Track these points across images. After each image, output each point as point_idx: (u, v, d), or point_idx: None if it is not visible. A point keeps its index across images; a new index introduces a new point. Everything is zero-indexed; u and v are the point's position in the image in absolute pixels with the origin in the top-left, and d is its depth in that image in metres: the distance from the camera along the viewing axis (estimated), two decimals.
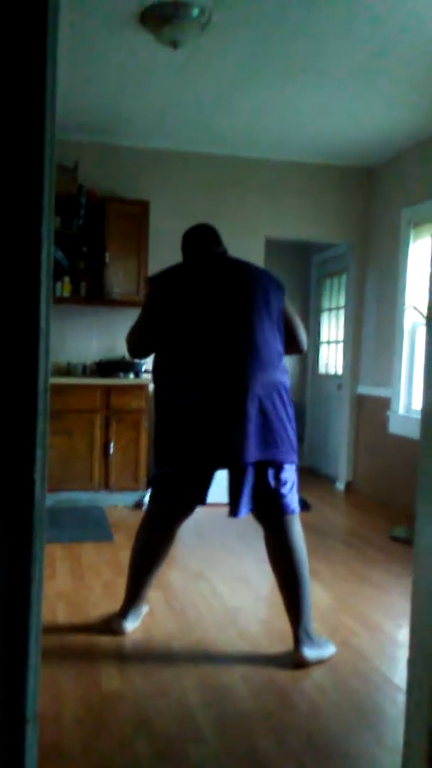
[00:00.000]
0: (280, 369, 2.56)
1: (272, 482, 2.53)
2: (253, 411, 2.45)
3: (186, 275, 2.63)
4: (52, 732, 2.01)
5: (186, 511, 2.72)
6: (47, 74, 0.93)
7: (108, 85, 4.27)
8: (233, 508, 2.52)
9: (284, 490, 2.55)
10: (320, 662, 2.58)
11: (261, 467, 2.51)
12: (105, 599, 3.11)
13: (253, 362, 2.47)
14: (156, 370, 2.64)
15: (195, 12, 3.25)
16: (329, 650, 2.64)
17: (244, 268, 2.64)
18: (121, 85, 4.27)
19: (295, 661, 2.55)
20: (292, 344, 2.67)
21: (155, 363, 2.65)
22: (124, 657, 2.56)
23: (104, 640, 2.68)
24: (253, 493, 2.52)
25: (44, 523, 0.96)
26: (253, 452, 2.47)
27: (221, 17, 3.31)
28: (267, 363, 2.50)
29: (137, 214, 5.14)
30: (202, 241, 2.71)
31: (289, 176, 5.63)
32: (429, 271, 4.80)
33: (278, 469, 2.54)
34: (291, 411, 2.58)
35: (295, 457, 2.58)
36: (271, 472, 2.52)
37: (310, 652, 2.56)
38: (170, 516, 2.71)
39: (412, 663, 1.62)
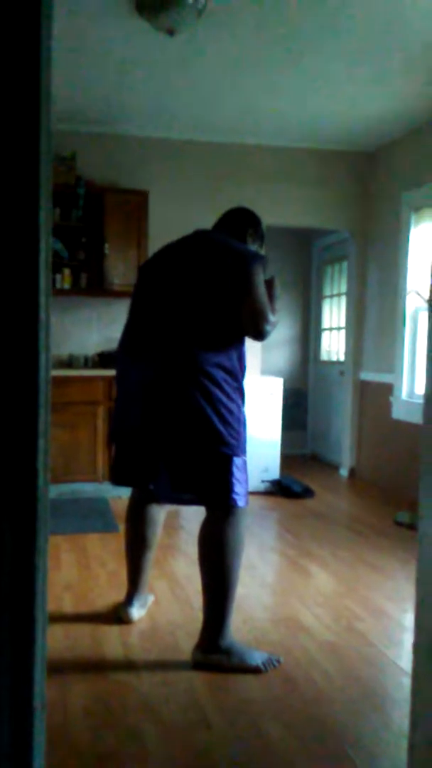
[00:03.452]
0: (211, 359, 2.33)
1: (208, 470, 2.37)
2: (161, 393, 2.35)
3: (160, 255, 2.60)
4: (59, 720, 2.03)
5: (142, 493, 2.71)
6: (42, 62, 0.92)
7: (105, 74, 4.24)
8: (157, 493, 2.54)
9: (219, 480, 2.37)
10: (228, 669, 2.37)
11: (187, 455, 2.38)
12: (110, 589, 3.12)
13: (172, 347, 2.35)
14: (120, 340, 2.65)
15: None
16: (248, 660, 2.38)
17: (204, 246, 2.46)
18: (118, 74, 4.24)
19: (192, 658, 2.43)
20: (247, 326, 2.35)
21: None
22: (130, 646, 2.57)
23: (110, 630, 2.69)
24: (185, 479, 2.40)
25: (48, 513, 0.96)
26: (167, 437, 2.36)
27: (217, 3, 3.28)
28: (191, 351, 2.32)
29: (136, 203, 5.11)
30: (216, 225, 2.70)
31: (289, 162, 5.59)
32: (431, 255, 4.78)
33: (211, 457, 2.36)
34: (225, 402, 2.34)
35: (224, 448, 2.35)
36: (203, 459, 2.36)
37: (204, 657, 2.39)
38: (136, 500, 2.75)
39: (417, 648, 1.62)
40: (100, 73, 4.22)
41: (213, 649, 2.39)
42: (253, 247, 2.66)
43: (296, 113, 4.85)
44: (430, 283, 1.57)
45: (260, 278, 2.37)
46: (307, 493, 5.15)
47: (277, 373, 6.65)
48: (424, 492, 1.57)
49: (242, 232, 2.64)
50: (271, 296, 2.43)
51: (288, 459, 6.14)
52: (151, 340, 2.42)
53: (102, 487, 4.93)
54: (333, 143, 5.53)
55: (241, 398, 2.44)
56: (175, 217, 5.07)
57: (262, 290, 2.36)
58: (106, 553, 3.65)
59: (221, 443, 2.35)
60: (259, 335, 2.35)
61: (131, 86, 4.42)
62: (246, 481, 2.43)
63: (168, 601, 3.00)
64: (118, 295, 5.12)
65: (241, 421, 2.42)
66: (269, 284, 2.47)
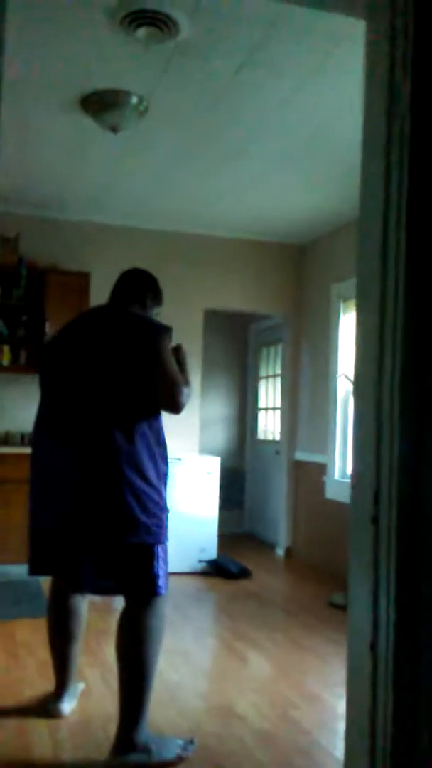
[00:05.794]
0: (132, 445, 2.30)
1: (132, 561, 2.33)
2: (83, 483, 2.33)
3: (65, 332, 2.58)
4: None
5: (62, 581, 2.62)
6: None
7: (51, 163, 4.40)
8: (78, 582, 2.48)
9: (142, 571, 2.33)
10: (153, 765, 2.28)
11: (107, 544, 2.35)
12: (40, 679, 3.00)
13: (85, 436, 2.34)
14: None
15: (133, 100, 3.43)
16: (167, 753, 2.32)
17: (111, 323, 2.47)
18: (64, 164, 4.41)
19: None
20: (163, 400, 2.34)
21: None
22: (60, 742, 2.47)
23: (38, 725, 2.58)
24: (104, 568, 2.38)
25: None
26: (82, 528, 2.34)
27: (158, 105, 3.51)
28: (112, 436, 2.30)
29: (78, 285, 5.22)
30: (115, 290, 2.63)
31: (227, 251, 5.85)
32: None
33: (125, 547, 2.32)
34: (147, 491, 2.30)
35: (148, 538, 2.31)
36: (120, 550, 2.33)
37: (122, 761, 2.27)
38: (57, 590, 2.67)
39: (348, 734, 1.65)
40: (45, 161, 4.38)
41: (131, 747, 2.29)
42: (154, 309, 2.64)
43: (233, 207, 5.13)
44: (354, 370, 1.69)
45: (168, 350, 2.37)
46: (243, 573, 5.13)
47: (215, 452, 6.70)
48: (354, 581, 1.63)
49: (142, 297, 2.60)
50: (180, 364, 2.46)
51: (225, 538, 6.11)
52: (71, 423, 2.39)
53: None
54: (268, 235, 5.83)
55: (163, 482, 2.40)
56: None
57: (172, 362, 2.36)
58: (37, 640, 3.51)
59: (145, 533, 2.30)
60: (176, 407, 2.33)
61: (76, 175, 4.60)
62: (167, 567, 2.40)
63: (100, 692, 2.91)
64: None
65: (163, 507, 2.38)
66: (177, 352, 2.49)
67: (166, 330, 2.42)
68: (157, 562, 2.34)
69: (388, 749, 1.50)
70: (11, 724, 2.59)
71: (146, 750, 2.29)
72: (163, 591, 2.36)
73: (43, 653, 3.30)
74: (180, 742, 2.40)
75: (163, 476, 2.41)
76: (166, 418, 2.47)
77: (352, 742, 1.61)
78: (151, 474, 2.35)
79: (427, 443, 1.51)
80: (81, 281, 5.23)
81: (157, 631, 2.36)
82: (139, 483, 2.31)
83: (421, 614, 1.51)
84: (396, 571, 1.49)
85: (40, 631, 3.62)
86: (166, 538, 2.39)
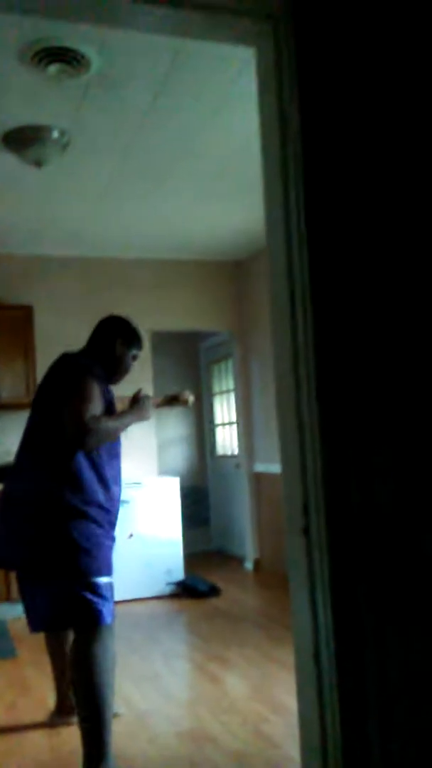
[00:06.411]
0: (65, 480, 2.39)
1: (69, 596, 2.38)
2: (12, 514, 2.49)
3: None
4: None
5: None
6: None
7: None
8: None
9: (80, 603, 2.37)
10: None
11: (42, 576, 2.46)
12: (7, 725, 2.95)
13: (19, 469, 2.57)
14: None
15: (55, 134, 3.45)
16: None
17: (54, 369, 2.63)
18: None
19: None
20: (67, 434, 2.31)
21: None
22: None
23: (9, 765, 2.54)
24: (44, 602, 2.49)
25: None
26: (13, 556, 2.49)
27: (80, 137, 3.54)
28: (32, 471, 2.50)
29: (20, 318, 5.20)
30: (89, 338, 2.77)
31: (167, 273, 5.89)
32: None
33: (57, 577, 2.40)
34: (79, 526, 2.37)
35: (82, 575, 2.37)
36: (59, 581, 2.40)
37: None
38: None
39: (302, 749, 1.67)
40: None
41: None
42: (131, 352, 2.71)
43: (166, 229, 5.17)
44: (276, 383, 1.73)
45: (88, 388, 2.36)
46: (212, 591, 5.13)
47: (175, 472, 6.70)
48: (293, 593, 1.65)
49: (111, 343, 2.67)
50: (135, 406, 2.60)
51: (194, 557, 6.11)
52: (19, 460, 2.58)
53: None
54: (205, 254, 5.89)
55: (102, 516, 2.45)
56: (62, 329, 5.15)
57: (84, 400, 2.31)
58: (2, 682, 3.46)
59: (78, 569, 2.36)
60: (76, 443, 2.30)
61: (6, 211, 4.58)
62: (111, 598, 2.44)
63: (73, 728, 2.86)
64: (8, 407, 5.09)
65: (100, 543, 2.42)
66: (134, 399, 2.65)
67: (85, 370, 2.47)
68: (97, 591, 2.38)
69: (340, 765, 1.51)
70: None
71: None
72: (102, 621, 2.39)
73: (9, 696, 3.26)
74: None
75: (103, 511, 2.47)
76: (123, 443, 2.64)
77: (307, 758, 1.62)
78: (84, 507, 2.41)
79: (350, 453, 1.55)
80: (24, 314, 5.21)
81: (103, 661, 2.38)
82: (70, 518, 2.38)
83: (363, 624, 1.53)
84: (330, 582, 1.51)
85: (6, 673, 3.58)
86: (106, 572, 2.43)
